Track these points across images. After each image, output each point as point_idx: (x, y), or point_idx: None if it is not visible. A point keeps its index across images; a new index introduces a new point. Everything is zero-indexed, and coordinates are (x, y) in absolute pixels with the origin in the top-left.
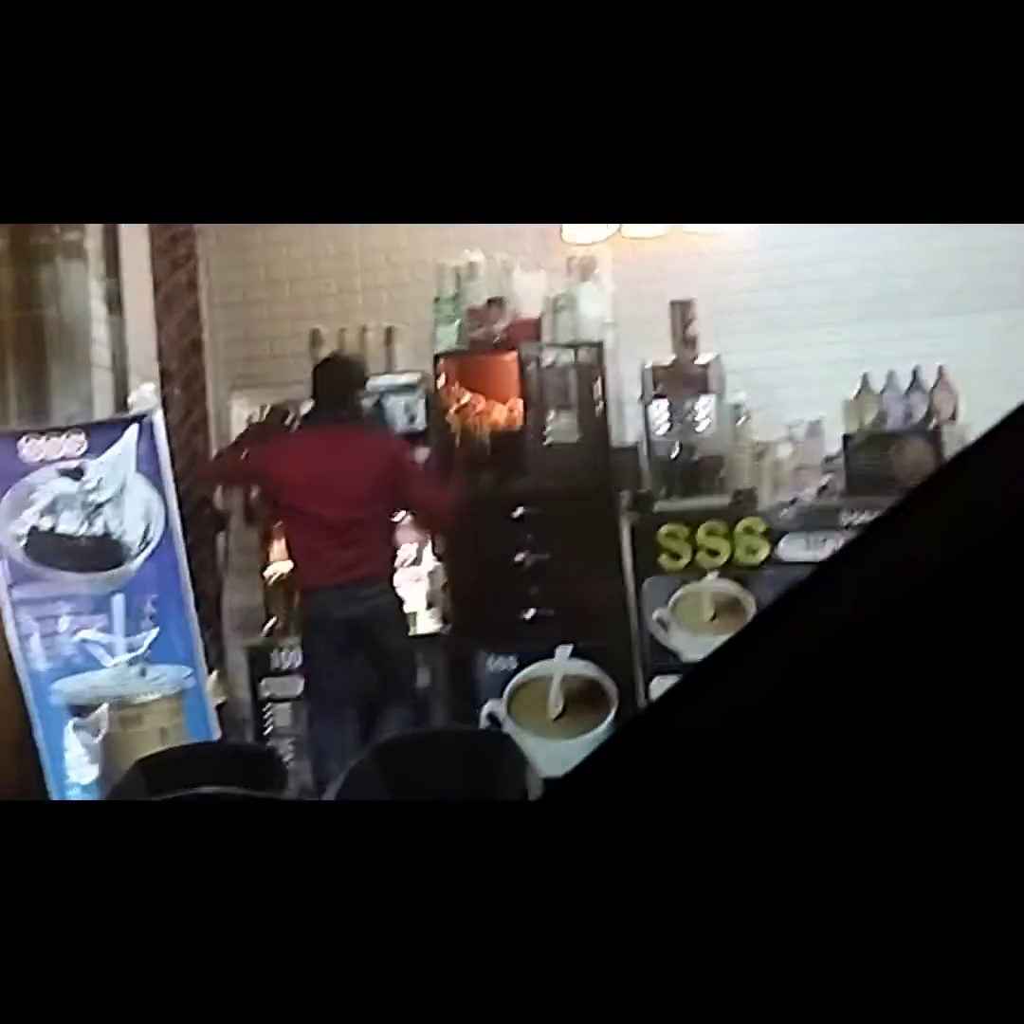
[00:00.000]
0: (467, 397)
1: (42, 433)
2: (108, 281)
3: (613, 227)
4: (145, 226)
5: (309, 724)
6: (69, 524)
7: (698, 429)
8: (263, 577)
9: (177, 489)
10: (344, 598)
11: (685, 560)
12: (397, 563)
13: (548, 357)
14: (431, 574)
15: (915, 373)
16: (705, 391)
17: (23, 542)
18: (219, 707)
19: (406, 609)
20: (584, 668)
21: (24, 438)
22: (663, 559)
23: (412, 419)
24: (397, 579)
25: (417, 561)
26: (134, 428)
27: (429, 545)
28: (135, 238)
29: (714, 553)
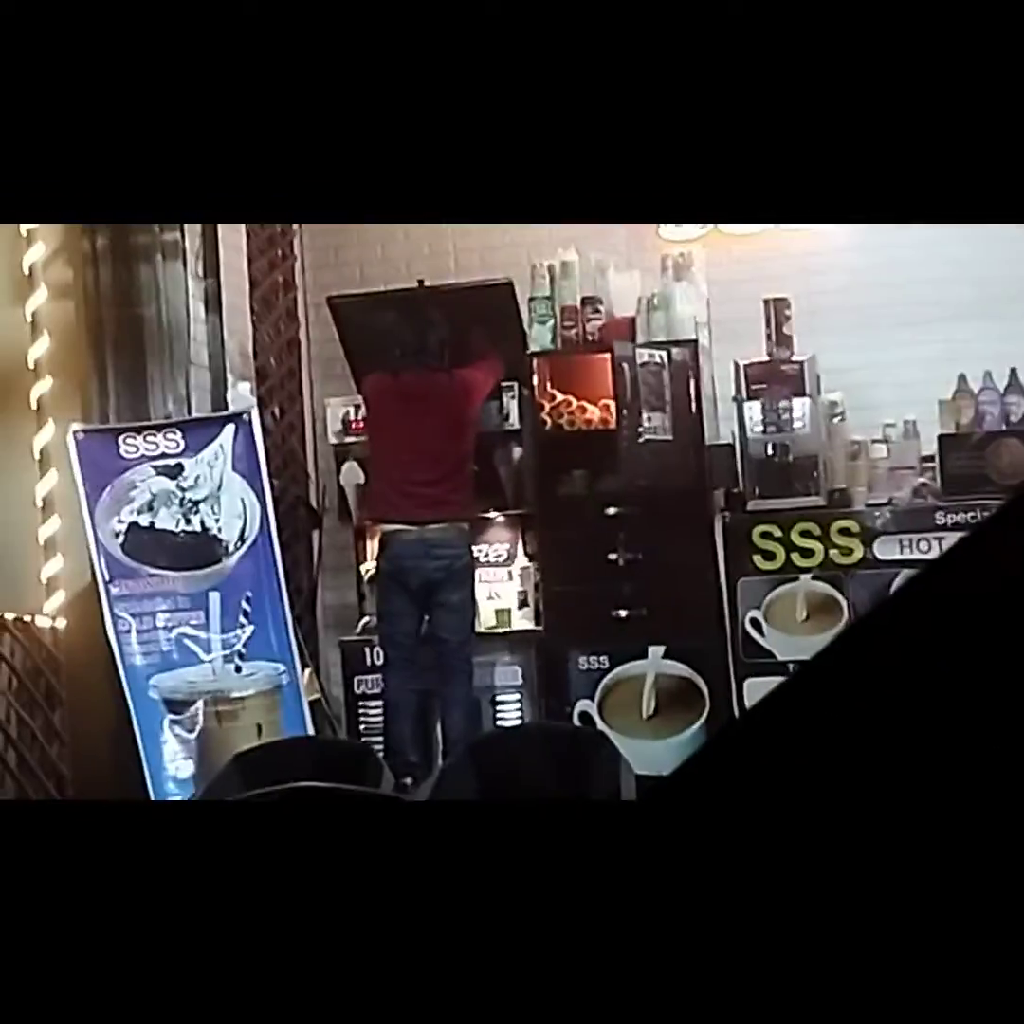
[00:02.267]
0: (561, 396)
1: (140, 431)
2: (206, 281)
3: (708, 225)
4: (242, 226)
5: (382, 677)
6: (166, 521)
7: (793, 428)
8: (357, 574)
9: (273, 487)
10: (423, 551)
11: (779, 560)
12: (474, 509)
13: (642, 356)
14: (523, 572)
15: (1013, 373)
16: (800, 390)
17: (121, 539)
18: (313, 703)
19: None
20: (677, 668)
21: (123, 436)
22: (757, 559)
23: (506, 418)
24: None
25: (510, 560)
26: (231, 426)
27: (521, 544)
28: (233, 238)
29: (808, 553)
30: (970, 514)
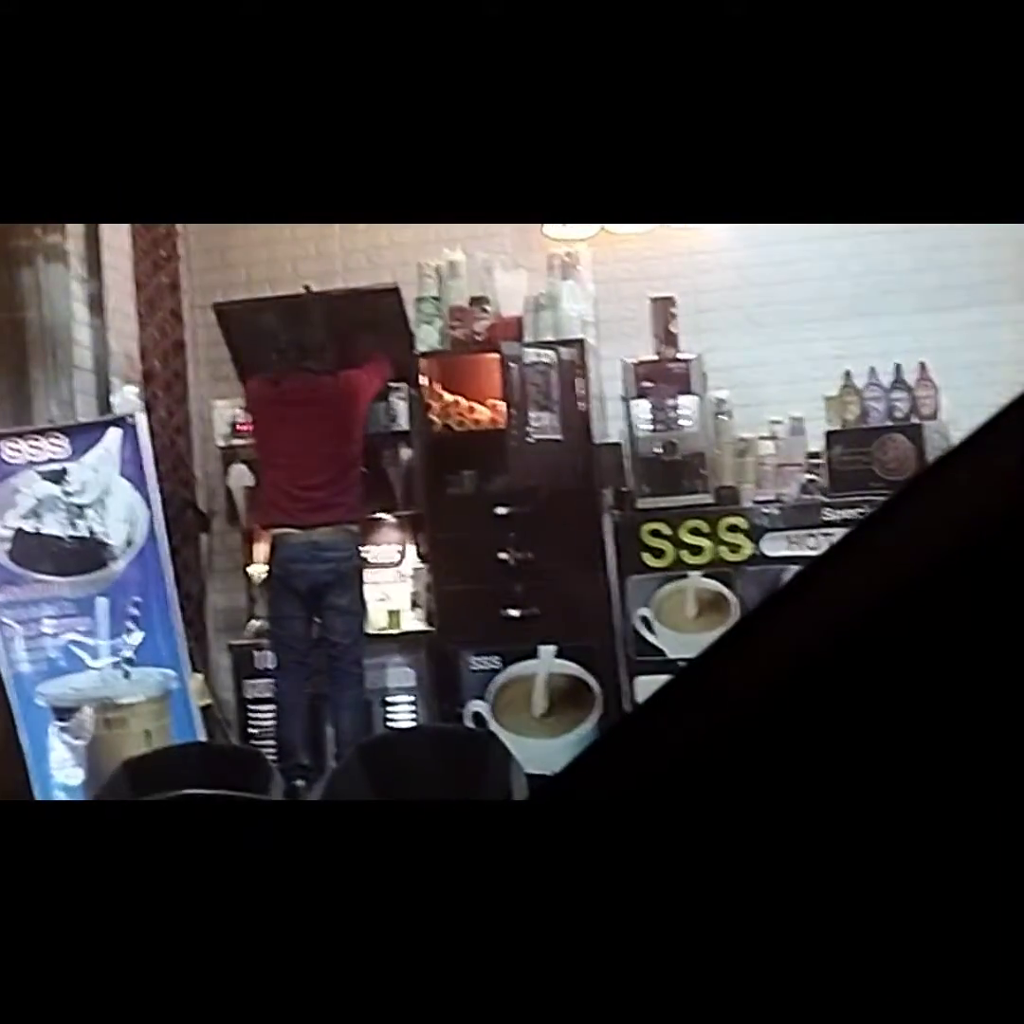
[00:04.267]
0: (449, 396)
1: (23, 436)
2: (89, 283)
3: (595, 226)
4: (127, 228)
5: (273, 681)
6: (52, 527)
7: (680, 426)
8: (247, 577)
9: (160, 491)
10: (312, 554)
11: (668, 558)
12: (363, 511)
13: (530, 356)
14: (415, 573)
15: (897, 369)
16: (687, 388)
17: (6, 545)
18: (204, 708)
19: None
20: (568, 667)
21: (6, 440)
22: (646, 557)
23: (393, 419)
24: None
25: (400, 561)
26: (116, 430)
27: (412, 545)
28: (116, 240)
29: (697, 551)
30: (857, 510)
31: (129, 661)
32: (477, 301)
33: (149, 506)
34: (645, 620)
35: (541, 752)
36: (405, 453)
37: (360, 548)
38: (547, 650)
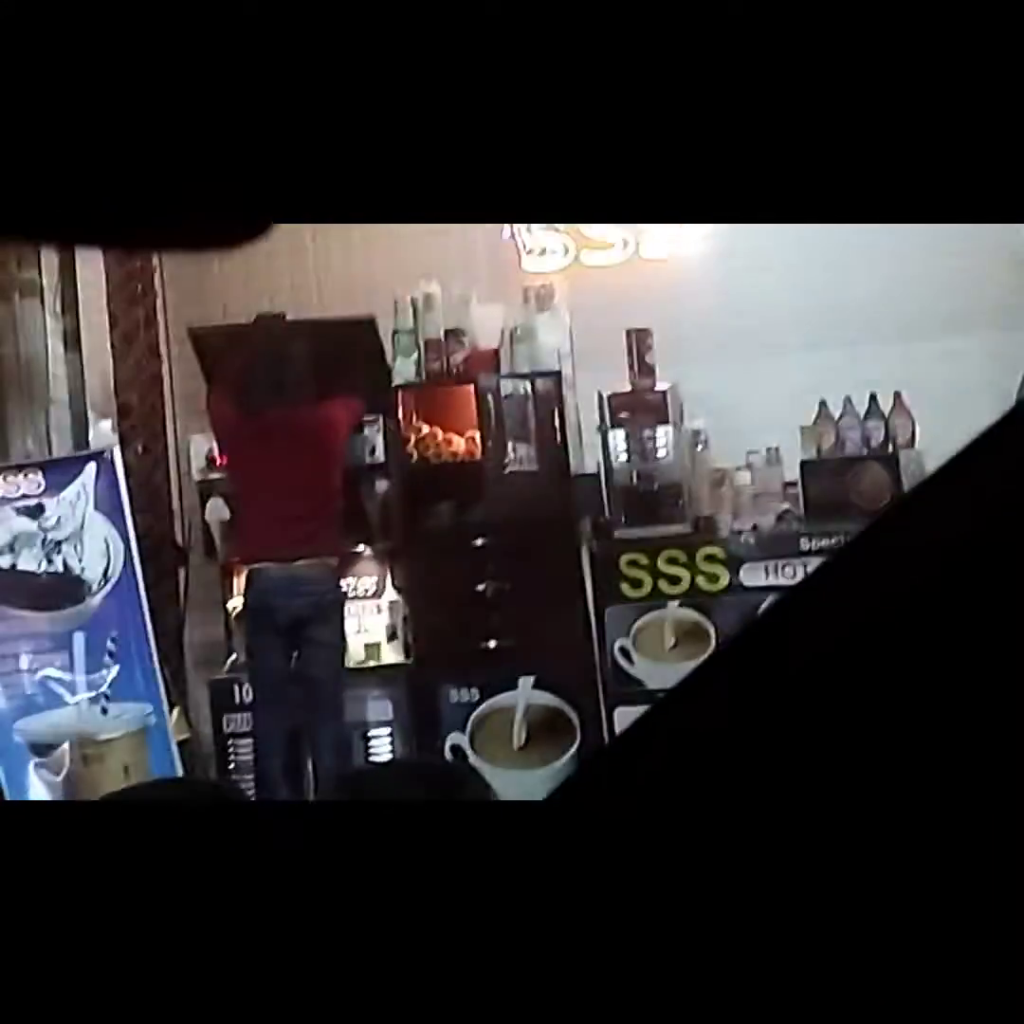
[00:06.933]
0: (426, 429)
1: None
2: (65, 318)
3: (570, 256)
4: (101, 262)
5: (252, 715)
6: (28, 562)
7: (657, 457)
8: (225, 611)
9: (137, 525)
10: (291, 588)
11: (646, 588)
12: (342, 543)
13: (506, 388)
14: (392, 606)
15: (872, 399)
16: (663, 419)
17: None
18: (182, 743)
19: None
20: (547, 698)
21: None
22: (624, 587)
23: (372, 451)
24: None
25: (378, 593)
26: (92, 465)
27: (389, 577)
28: (91, 275)
29: (675, 581)
30: (834, 539)
31: (107, 696)
32: (453, 333)
33: (125, 541)
34: (624, 650)
35: (521, 784)
36: (382, 485)
37: (340, 581)
38: (526, 681)
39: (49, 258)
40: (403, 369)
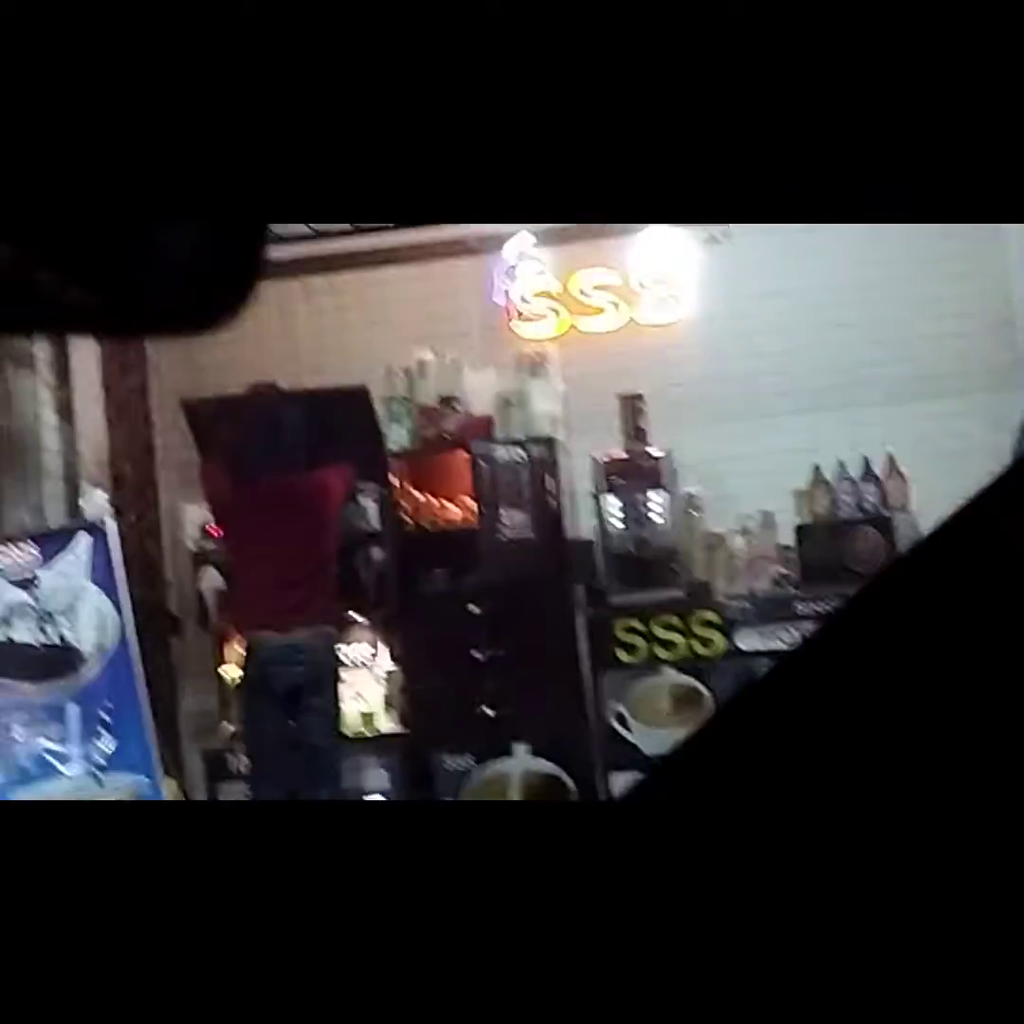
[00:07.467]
0: (420, 496)
1: None
2: (58, 389)
3: (562, 322)
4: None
5: (248, 785)
6: (23, 634)
7: (651, 522)
8: (219, 680)
9: (131, 595)
10: (287, 656)
11: (641, 653)
12: (338, 611)
13: (501, 454)
14: (389, 676)
15: (866, 462)
16: (657, 484)
17: None
18: None
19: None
20: (543, 765)
21: None
22: (619, 652)
23: (365, 519)
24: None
25: (374, 662)
26: (85, 536)
27: (385, 646)
28: (85, 344)
29: (670, 646)
30: (829, 603)
31: (101, 767)
32: (446, 400)
33: (119, 611)
34: (620, 716)
35: None
36: (376, 553)
37: (335, 649)
38: (520, 749)
39: None
40: (397, 436)
